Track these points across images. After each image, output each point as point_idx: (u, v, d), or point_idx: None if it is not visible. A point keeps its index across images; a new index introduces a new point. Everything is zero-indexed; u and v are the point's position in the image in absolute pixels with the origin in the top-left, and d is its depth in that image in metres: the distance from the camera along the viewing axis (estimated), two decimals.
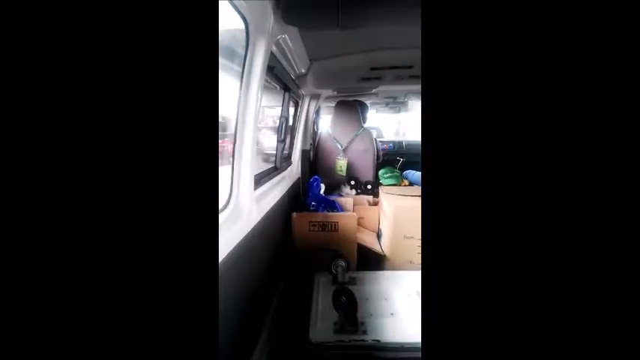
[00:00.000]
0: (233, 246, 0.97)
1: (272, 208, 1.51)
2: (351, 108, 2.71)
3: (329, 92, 2.48)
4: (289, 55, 1.53)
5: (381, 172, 2.77)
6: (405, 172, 2.92)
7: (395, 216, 1.92)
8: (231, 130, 1.14)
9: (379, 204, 2.25)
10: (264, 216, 1.36)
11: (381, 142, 3.28)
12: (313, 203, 2.17)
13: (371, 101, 3.13)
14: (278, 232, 1.71)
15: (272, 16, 1.04)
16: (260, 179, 1.54)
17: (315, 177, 2.36)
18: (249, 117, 1.09)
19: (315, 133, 2.90)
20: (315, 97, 2.54)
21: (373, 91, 2.47)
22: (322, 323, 1.32)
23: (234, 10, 0.94)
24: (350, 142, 2.69)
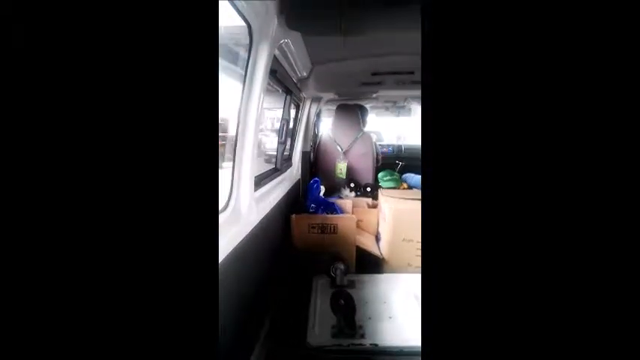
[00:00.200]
0: (232, 247, 0.98)
1: (272, 210, 1.51)
2: (351, 111, 2.72)
3: (330, 95, 2.50)
4: (291, 59, 1.54)
5: (380, 175, 2.78)
6: (404, 176, 2.93)
7: (394, 219, 1.93)
8: (231, 132, 1.15)
9: (378, 207, 2.25)
10: (264, 217, 1.36)
11: (380, 145, 3.29)
12: (313, 205, 2.17)
13: (371, 105, 3.15)
14: (277, 234, 1.71)
15: (275, 21, 1.05)
16: (260, 181, 1.54)
17: (315, 179, 2.36)
18: (251, 119, 1.10)
19: (315, 135, 2.92)
20: (316, 100, 2.55)
21: (374, 95, 2.48)
22: (320, 326, 1.32)
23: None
24: (350, 145, 2.69)
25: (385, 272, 1.88)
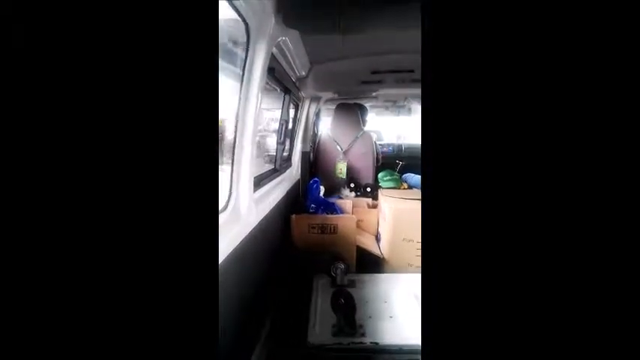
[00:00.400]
0: (232, 248, 0.97)
1: (271, 210, 1.51)
2: (350, 111, 2.71)
3: (329, 95, 2.49)
4: (289, 58, 1.53)
5: (380, 175, 2.78)
6: (404, 175, 2.92)
7: (394, 219, 1.92)
8: (228, 133, 1.14)
9: (378, 207, 2.25)
10: (264, 218, 1.36)
11: (380, 145, 3.29)
12: (313, 205, 2.17)
13: (371, 104, 3.14)
14: (277, 234, 1.71)
15: (273, 19, 1.05)
16: (260, 181, 1.54)
17: (315, 179, 2.36)
18: (249, 119, 1.09)
19: (315, 135, 2.91)
20: (316, 99, 2.55)
21: (374, 94, 2.48)
22: (321, 326, 1.32)
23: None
24: (350, 145, 2.69)
25: (385, 272, 1.88)
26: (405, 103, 3.10)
